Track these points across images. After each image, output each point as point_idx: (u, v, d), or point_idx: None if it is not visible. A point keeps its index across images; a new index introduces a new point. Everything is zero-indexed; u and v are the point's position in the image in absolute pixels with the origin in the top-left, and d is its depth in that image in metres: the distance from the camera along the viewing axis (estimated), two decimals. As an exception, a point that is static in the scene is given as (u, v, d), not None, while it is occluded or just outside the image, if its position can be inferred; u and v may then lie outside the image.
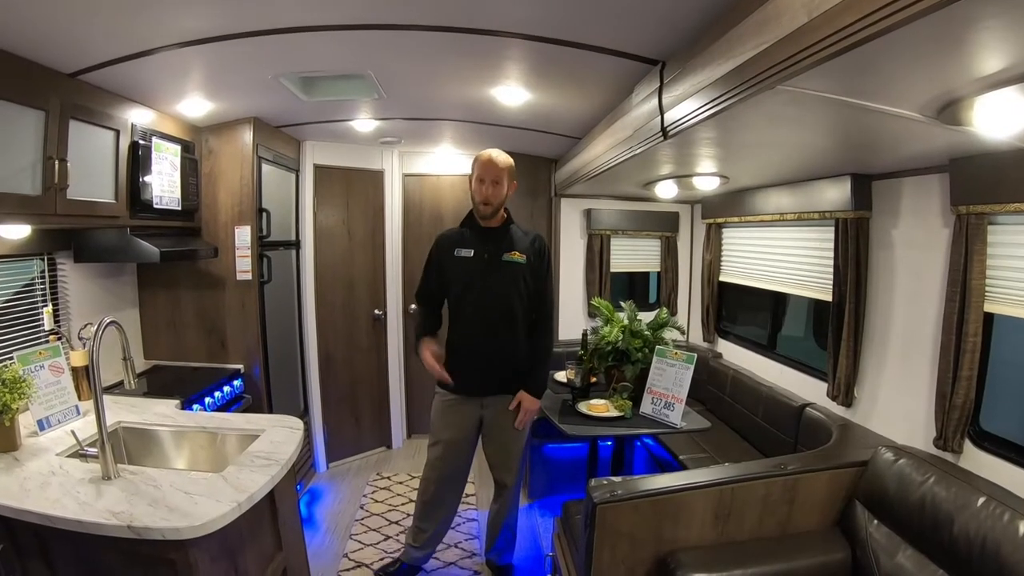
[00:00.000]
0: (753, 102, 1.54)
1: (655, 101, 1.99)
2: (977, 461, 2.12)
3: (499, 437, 2.74)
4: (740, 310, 4.31)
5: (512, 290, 2.61)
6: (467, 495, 3.76)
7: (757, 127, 1.97)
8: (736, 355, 3.99)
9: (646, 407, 2.81)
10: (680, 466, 3.13)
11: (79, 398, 2.35)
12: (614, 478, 2.12)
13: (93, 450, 1.82)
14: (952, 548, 1.82)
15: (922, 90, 1.47)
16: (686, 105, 1.77)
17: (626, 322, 3.08)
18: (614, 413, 2.77)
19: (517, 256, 2.62)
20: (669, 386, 2.76)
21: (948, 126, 1.62)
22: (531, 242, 2.68)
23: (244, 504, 1.67)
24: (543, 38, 2.04)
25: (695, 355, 2.73)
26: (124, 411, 2.41)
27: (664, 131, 1.97)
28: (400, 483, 4.02)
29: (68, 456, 1.95)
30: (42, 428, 2.14)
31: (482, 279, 2.59)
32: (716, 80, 1.55)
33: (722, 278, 4.17)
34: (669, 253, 4.68)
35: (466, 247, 2.62)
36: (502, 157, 2.57)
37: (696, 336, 4.52)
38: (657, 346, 2.89)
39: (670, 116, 1.90)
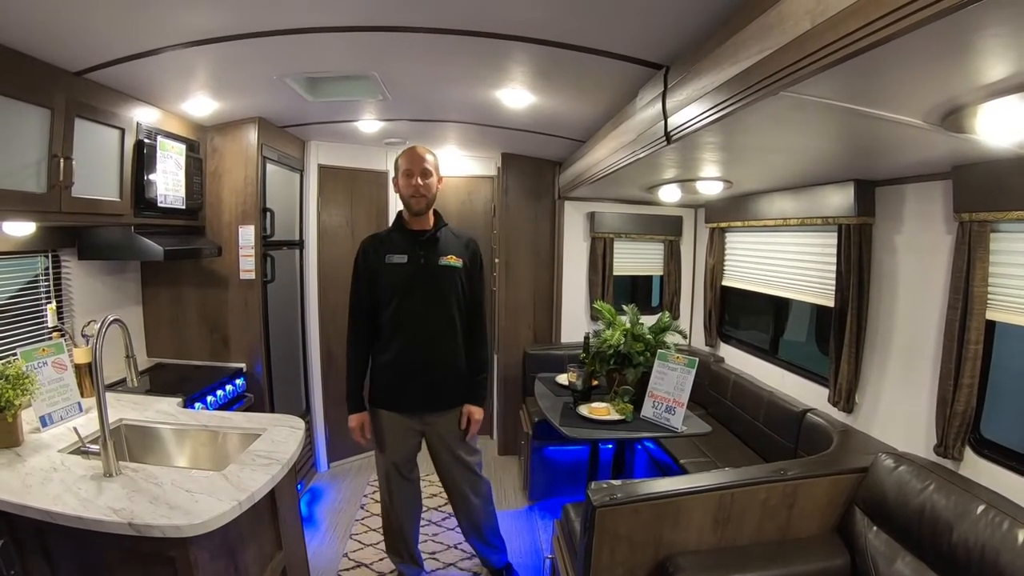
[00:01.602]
0: (757, 107, 1.53)
1: (659, 105, 1.99)
2: (977, 468, 2.11)
3: (447, 452, 2.65)
4: (742, 314, 4.30)
5: (451, 297, 2.51)
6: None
7: (761, 132, 1.97)
8: (738, 359, 3.98)
9: (647, 411, 2.80)
10: (680, 470, 3.13)
11: (81, 395, 2.36)
12: (614, 481, 2.12)
13: (95, 447, 1.83)
14: (951, 556, 1.82)
15: (926, 97, 1.47)
16: (689, 110, 1.77)
17: (628, 325, 3.08)
18: (615, 416, 2.77)
19: (454, 260, 2.52)
20: (670, 390, 2.75)
21: (951, 133, 1.63)
22: (465, 245, 2.59)
23: (245, 503, 1.67)
24: (548, 41, 2.04)
25: (696, 359, 2.73)
26: (126, 408, 2.42)
27: (668, 135, 1.97)
28: (400, 483, 4.02)
29: (70, 453, 1.96)
30: (44, 424, 2.15)
31: (419, 286, 2.46)
32: (719, 85, 1.55)
33: (725, 282, 4.16)
34: (672, 257, 4.67)
35: (398, 252, 2.48)
36: (428, 151, 2.52)
37: (698, 340, 4.52)
38: (659, 350, 2.89)
39: (673, 121, 1.90)
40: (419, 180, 2.46)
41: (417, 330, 2.47)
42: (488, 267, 4.08)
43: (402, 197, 2.52)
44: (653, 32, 1.87)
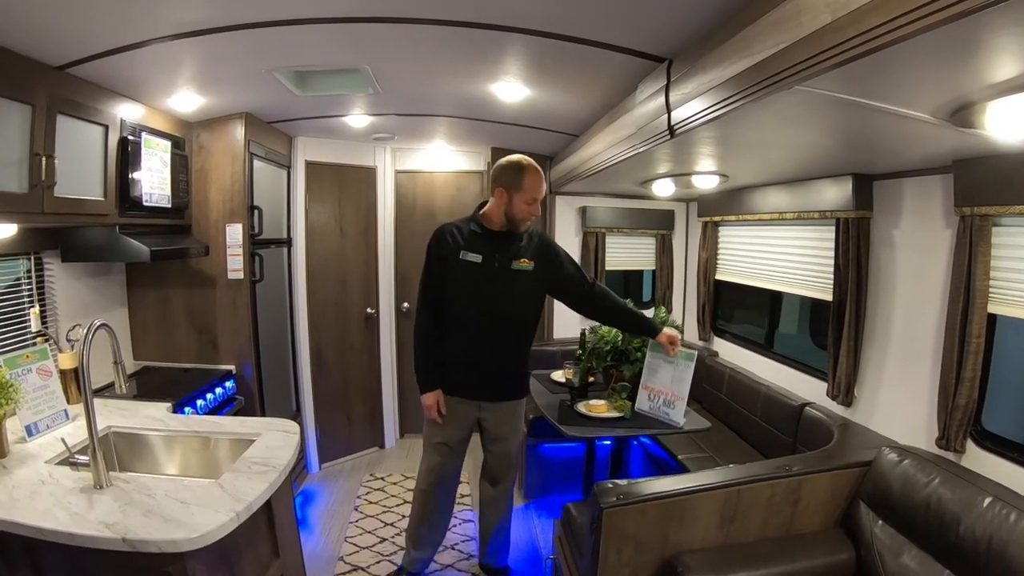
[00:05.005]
0: (766, 102, 1.51)
1: (661, 99, 1.96)
2: (979, 461, 2.12)
3: (502, 442, 2.70)
4: (736, 309, 4.30)
5: (521, 301, 2.54)
6: (463, 495, 3.72)
7: (765, 127, 1.94)
8: (732, 354, 3.98)
9: (643, 404, 2.74)
10: (679, 465, 3.11)
11: (68, 402, 2.28)
12: (619, 481, 2.09)
13: (84, 458, 1.76)
14: (958, 548, 1.82)
15: (937, 93, 1.45)
16: (695, 104, 1.74)
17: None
18: (614, 414, 2.74)
19: (525, 263, 2.52)
20: (667, 383, 2.70)
21: (960, 129, 1.61)
22: (537, 246, 2.58)
23: (243, 514, 1.62)
24: (546, 33, 2.00)
25: (695, 352, 2.68)
26: (114, 415, 2.35)
27: (671, 129, 1.94)
28: (394, 484, 3.98)
29: (58, 463, 1.89)
30: (30, 434, 2.07)
31: (492, 290, 2.47)
32: (729, 79, 1.52)
33: (718, 276, 4.15)
34: (664, 251, 4.65)
35: (474, 251, 2.46)
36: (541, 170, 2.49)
37: (691, 335, 4.51)
38: (651, 340, 2.83)
39: (677, 115, 1.87)
40: (537, 208, 2.46)
41: (485, 332, 2.50)
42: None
43: (514, 215, 2.44)
44: (655, 25, 1.84)
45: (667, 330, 2.69)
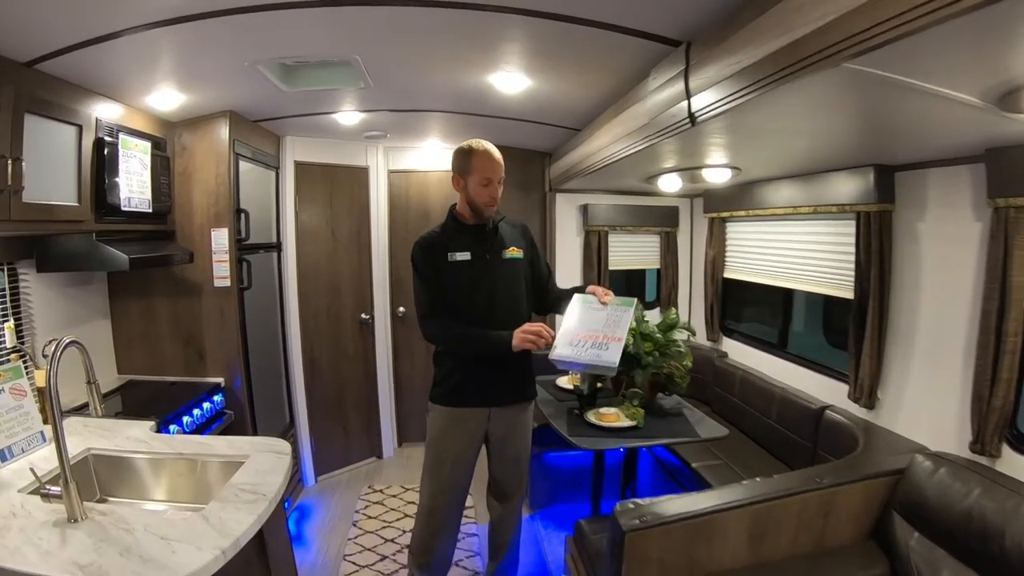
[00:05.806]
0: (799, 84, 1.38)
1: (679, 85, 1.82)
2: (1016, 465, 2.00)
3: (510, 451, 2.55)
4: (745, 307, 4.16)
5: (519, 290, 2.42)
6: (466, 507, 3.57)
7: (791, 113, 1.81)
8: (743, 354, 3.83)
9: (562, 350, 2.32)
10: (692, 473, 2.97)
11: (45, 422, 2.12)
12: (640, 501, 1.94)
13: (56, 488, 1.60)
14: (1003, 561, 1.70)
15: (988, 74, 1.34)
16: (721, 88, 1.60)
17: (634, 324, 2.90)
18: (626, 423, 2.60)
19: (515, 252, 2.41)
20: (599, 328, 2.37)
21: (1006, 114, 1.50)
22: (521, 233, 2.50)
23: (229, 551, 1.46)
24: (550, 14, 1.86)
25: (635, 299, 2.42)
26: (94, 436, 2.19)
27: (692, 117, 1.80)
28: (393, 496, 3.82)
29: (30, 493, 1.73)
30: (3, 459, 1.91)
31: (487, 283, 2.35)
32: (762, 59, 1.38)
33: (726, 274, 4.01)
34: (669, 249, 4.51)
35: (460, 250, 2.34)
36: (498, 151, 2.32)
37: (699, 335, 4.36)
38: (576, 293, 2.51)
39: (699, 101, 1.73)
40: (497, 189, 2.31)
41: (486, 327, 2.33)
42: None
43: (473, 201, 2.31)
44: (671, 6, 1.70)
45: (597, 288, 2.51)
